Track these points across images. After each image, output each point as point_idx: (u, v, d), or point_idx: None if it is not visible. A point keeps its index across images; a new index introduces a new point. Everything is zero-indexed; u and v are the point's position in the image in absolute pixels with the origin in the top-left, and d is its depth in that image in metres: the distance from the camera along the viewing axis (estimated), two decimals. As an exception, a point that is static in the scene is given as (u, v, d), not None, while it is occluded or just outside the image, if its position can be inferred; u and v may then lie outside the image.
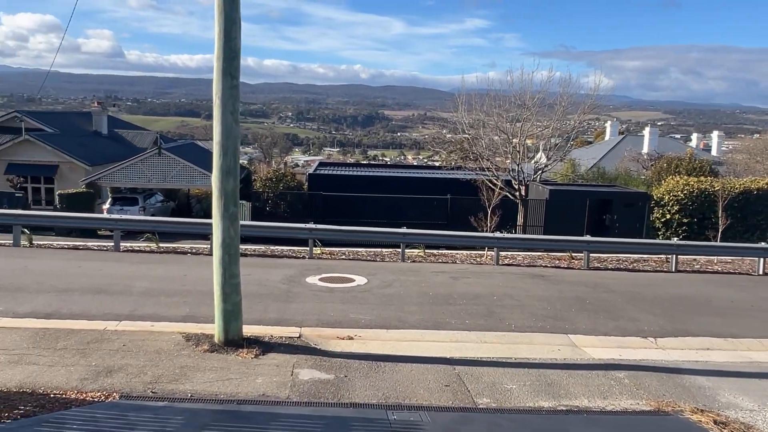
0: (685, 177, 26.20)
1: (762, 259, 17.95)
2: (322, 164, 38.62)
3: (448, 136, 34.15)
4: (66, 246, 17.43)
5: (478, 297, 12.82)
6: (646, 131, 46.87)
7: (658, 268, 17.99)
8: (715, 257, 19.72)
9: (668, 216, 24.50)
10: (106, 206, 26.98)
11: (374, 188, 26.92)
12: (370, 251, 18.83)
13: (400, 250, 17.65)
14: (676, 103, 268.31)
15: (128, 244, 17.99)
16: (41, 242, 17.87)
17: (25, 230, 17.45)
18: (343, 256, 17.78)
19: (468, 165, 26.32)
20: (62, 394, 6.75)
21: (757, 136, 53.84)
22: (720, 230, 20.68)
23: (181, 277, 13.37)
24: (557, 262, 18.40)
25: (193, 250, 17.26)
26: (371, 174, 31.76)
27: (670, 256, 18.10)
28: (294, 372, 7.92)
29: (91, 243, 18.45)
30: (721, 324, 11.70)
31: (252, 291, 12.06)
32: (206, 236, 15.80)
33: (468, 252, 19.59)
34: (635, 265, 18.42)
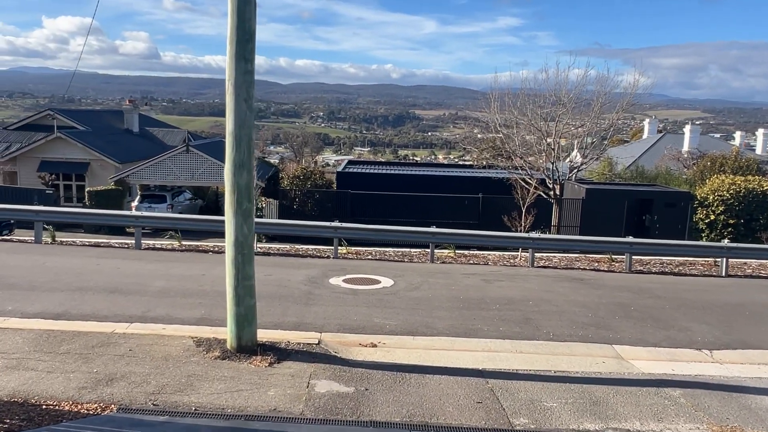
0: (731, 176, 24.84)
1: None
2: (351, 162, 37.92)
3: (480, 135, 33.20)
4: (88, 243, 17.10)
5: (512, 302, 11.95)
6: (687, 129, 45.07)
7: (706, 272, 16.81)
8: (768, 261, 18.38)
9: (713, 217, 23.22)
10: (135, 204, 26.87)
11: (403, 187, 26.18)
12: (397, 251, 18.08)
13: (429, 250, 16.85)
14: (716, 101, 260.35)
15: (150, 242, 17.62)
16: (64, 239, 17.61)
17: (47, 227, 17.20)
18: (370, 256, 17.06)
19: (500, 163, 25.44)
20: (55, 405, 6.16)
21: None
22: (772, 232, 19.36)
23: (199, 276, 12.82)
24: (596, 264, 17.36)
25: (216, 249, 16.74)
26: (400, 172, 30.93)
27: (719, 260, 16.91)
28: (310, 383, 7.22)
29: (114, 240, 18.11)
30: (783, 335, 10.61)
31: (271, 292, 11.45)
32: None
33: (500, 253, 18.71)
34: (681, 268, 17.25)
